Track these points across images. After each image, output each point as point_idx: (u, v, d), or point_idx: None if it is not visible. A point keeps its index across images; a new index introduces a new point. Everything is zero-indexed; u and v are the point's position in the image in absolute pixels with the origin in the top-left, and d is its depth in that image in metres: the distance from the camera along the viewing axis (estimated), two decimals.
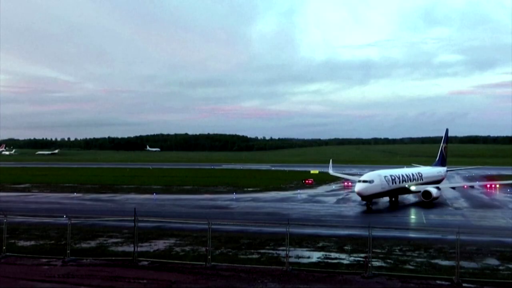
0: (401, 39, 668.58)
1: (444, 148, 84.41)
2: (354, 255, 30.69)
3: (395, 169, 72.35)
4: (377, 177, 57.71)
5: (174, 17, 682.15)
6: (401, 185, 61.57)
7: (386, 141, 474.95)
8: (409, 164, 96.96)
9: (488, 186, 77.03)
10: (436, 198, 60.64)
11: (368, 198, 56.07)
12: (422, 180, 67.41)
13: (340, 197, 69.28)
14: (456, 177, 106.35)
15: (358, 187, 55.68)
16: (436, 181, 71.94)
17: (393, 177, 60.27)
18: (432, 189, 60.66)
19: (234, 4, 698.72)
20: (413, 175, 66.23)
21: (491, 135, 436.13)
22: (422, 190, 60.96)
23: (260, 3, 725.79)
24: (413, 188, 62.77)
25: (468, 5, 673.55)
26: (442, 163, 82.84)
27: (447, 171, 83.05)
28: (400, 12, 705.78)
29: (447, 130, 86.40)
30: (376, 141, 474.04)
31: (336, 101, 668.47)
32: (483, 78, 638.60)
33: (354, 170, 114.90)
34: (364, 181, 55.94)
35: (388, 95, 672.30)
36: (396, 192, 62.10)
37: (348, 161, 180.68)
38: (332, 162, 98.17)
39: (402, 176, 62.91)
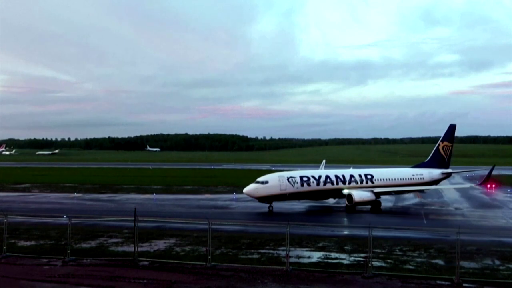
0: (400, 39, 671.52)
1: (444, 146, 70.66)
2: (354, 255, 30.72)
3: (341, 169, 64.90)
4: (276, 178, 52.68)
5: (173, 17, 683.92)
6: (324, 187, 55.40)
7: (386, 141, 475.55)
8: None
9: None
10: (360, 203, 54.12)
11: (264, 200, 51.69)
12: (373, 183, 58.78)
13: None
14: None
15: (247, 188, 51.92)
16: (412, 184, 62.65)
17: (305, 179, 53.96)
18: (356, 192, 54.15)
19: (234, 4, 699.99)
20: (352, 177, 58.13)
21: (491, 135, 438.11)
22: (347, 193, 54.84)
23: (260, 3, 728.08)
24: (345, 191, 55.61)
25: (468, 5, 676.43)
26: (438, 164, 69.25)
27: (443, 173, 68.89)
28: (400, 12, 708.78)
29: (451, 126, 71.64)
30: (376, 141, 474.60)
31: (336, 101, 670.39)
32: (483, 78, 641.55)
33: None
34: (257, 182, 51.70)
35: (388, 95, 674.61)
36: (323, 194, 56.92)
37: (347, 161, 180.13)
38: (326, 163, 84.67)
39: (328, 177, 56.12)
